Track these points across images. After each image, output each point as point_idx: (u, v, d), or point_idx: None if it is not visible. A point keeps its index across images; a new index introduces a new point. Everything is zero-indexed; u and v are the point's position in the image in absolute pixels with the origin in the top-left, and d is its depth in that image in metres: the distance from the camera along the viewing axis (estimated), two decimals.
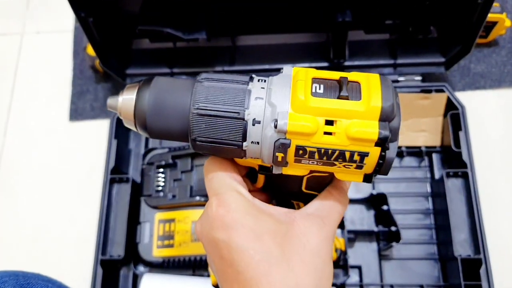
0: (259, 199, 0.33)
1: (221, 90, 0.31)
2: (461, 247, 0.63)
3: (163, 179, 0.69)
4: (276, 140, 0.30)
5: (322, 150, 0.30)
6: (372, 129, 0.28)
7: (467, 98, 0.73)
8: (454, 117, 0.69)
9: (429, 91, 0.70)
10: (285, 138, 0.30)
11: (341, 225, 0.67)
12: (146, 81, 0.33)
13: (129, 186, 0.69)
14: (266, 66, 0.74)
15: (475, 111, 0.75)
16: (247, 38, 0.76)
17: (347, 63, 0.73)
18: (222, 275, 0.31)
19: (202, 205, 0.66)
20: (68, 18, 0.91)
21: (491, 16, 0.73)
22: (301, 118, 0.29)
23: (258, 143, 0.31)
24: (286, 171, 0.32)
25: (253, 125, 0.30)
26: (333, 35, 0.72)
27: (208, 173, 0.34)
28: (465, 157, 0.66)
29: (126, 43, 0.77)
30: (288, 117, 0.29)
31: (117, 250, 0.67)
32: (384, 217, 0.67)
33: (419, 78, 0.72)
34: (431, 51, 0.73)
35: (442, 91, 0.70)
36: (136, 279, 0.69)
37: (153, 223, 0.68)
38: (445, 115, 0.70)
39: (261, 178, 0.36)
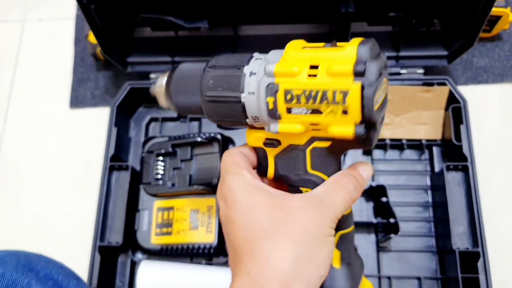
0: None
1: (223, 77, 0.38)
2: (460, 240, 0.63)
3: (162, 168, 0.69)
4: (267, 85, 0.35)
5: (307, 92, 0.34)
6: (348, 65, 0.32)
7: (469, 92, 0.72)
8: (456, 110, 0.68)
9: (431, 84, 0.70)
10: (273, 83, 0.35)
11: None
12: (174, 68, 0.41)
13: (129, 174, 0.69)
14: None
15: (477, 105, 0.75)
16: (249, 28, 0.76)
17: None
18: (228, 249, 0.36)
19: (200, 193, 0.66)
20: (70, 5, 0.91)
21: (495, 10, 0.73)
22: (288, 64, 0.34)
23: (253, 93, 0.36)
24: (282, 127, 0.36)
25: (250, 76, 0.36)
26: (336, 26, 0.72)
27: (222, 161, 0.39)
28: (465, 150, 0.66)
29: (128, 31, 0.77)
30: (276, 63, 0.35)
31: (116, 237, 0.68)
32: (383, 209, 0.67)
33: (421, 71, 0.72)
34: (433, 44, 0.72)
35: (444, 84, 0.69)
36: (134, 266, 0.69)
37: (152, 211, 0.68)
38: (446, 109, 0.70)
39: (271, 166, 0.39)
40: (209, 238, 0.65)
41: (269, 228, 0.33)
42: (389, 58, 0.73)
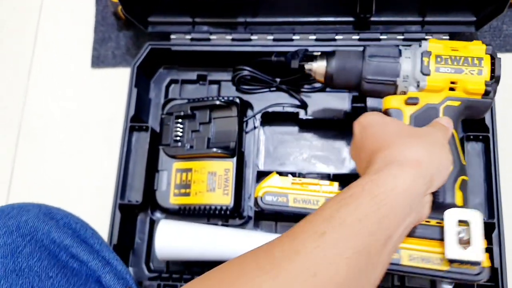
0: None
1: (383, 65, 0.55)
2: None
3: (181, 130, 0.70)
4: (422, 51, 0.54)
5: (453, 57, 0.53)
6: (482, 52, 0.54)
7: None
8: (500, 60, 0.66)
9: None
10: (427, 50, 0.54)
11: None
12: (331, 53, 0.58)
13: (148, 135, 0.71)
14: (290, 19, 0.73)
15: (504, 74, 0.72)
16: None
17: (373, 19, 0.70)
18: (359, 162, 0.49)
19: (218, 156, 0.67)
20: None
21: None
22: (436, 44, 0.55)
23: (409, 57, 0.55)
24: (431, 80, 0.53)
25: (405, 58, 0.55)
26: None
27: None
28: (487, 121, 0.65)
29: None
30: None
31: (136, 195, 0.70)
32: None
33: (446, 37, 0.70)
34: (461, 10, 0.69)
35: None
36: (153, 224, 0.71)
37: (171, 171, 0.70)
38: None
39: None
40: (225, 200, 0.66)
41: (402, 133, 0.45)
42: (414, 23, 0.71)
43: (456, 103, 0.53)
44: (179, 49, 0.74)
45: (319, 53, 0.63)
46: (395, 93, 0.56)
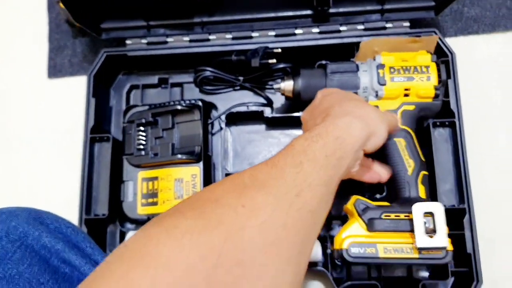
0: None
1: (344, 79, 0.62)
2: (446, 197, 0.63)
3: (144, 137, 0.68)
4: (377, 65, 0.61)
5: (404, 67, 0.61)
6: (428, 59, 0.62)
7: (458, 45, 0.69)
8: (444, 65, 0.66)
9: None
10: (381, 63, 0.61)
11: None
12: (296, 73, 0.64)
13: (110, 145, 0.69)
14: (247, 16, 0.71)
15: (466, 58, 0.72)
16: None
17: (332, 10, 0.69)
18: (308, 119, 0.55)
19: (184, 163, 0.65)
20: None
21: None
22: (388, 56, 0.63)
23: (366, 70, 0.62)
24: (387, 89, 0.60)
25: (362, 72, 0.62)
26: None
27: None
28: (453, 106, 0.64)
29: None
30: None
31: (101, 209, 0.68)
32: None
33: (407, 24, 0.69)
34: None
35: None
36: (123, 236, 0.69)
37: (137, 181, 0.67)
38: None
39: None
40: None
41: (356, 97, 0.56)
42: (373, 12, 0.70)
43: (411, 107, 0.61)
44: (136, 54, 0.71)
45: (279, 50, 0.67)
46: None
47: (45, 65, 0.82)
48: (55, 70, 0.82)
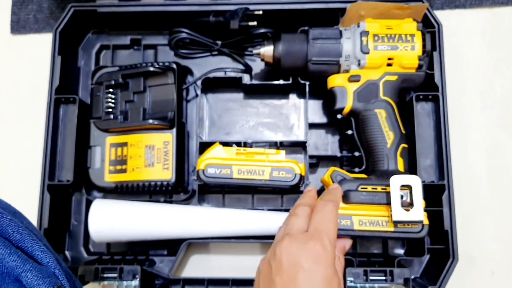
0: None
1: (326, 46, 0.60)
2: (426, 173, 0.61)
3: (113, 100, 0.64)
4: (361, 32, 0.59)
5: (389, 35, 0.58)
6: (413, 28, 0.60)
7: (444, 17, 0.66)
8: (430, 35, 0.63)
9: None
10: (365, 30, 0.59)
11: (305, 150, 0.64)
12: (277, 37, 0.61)
13: (77, 107, 0.64)
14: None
15: (452, 31, 0.70)
16: None
17: None
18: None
19: (155, 128, 0.62)
20: None
21: None
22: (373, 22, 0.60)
23: (349, 38, 0.59)
24: (370, 58, 0.58)
25: (346, 39, 0.60)
26: None
27: None
28: (437, 79, 0.62)
29: None
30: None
31: (66, 174, 0.64)
32: (349, 142, 0.64)
33: None
34: None
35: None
36: (89, 204, 0.65)
37: (104, 147, 0.64)
38: None
39: (349, 100, 0.59)
40: (166, 175, 0.61)
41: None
42: None
43: (394, 78, 0.59)
44: (107, 10, 0.66)
45: (260, 12, 0.64)
46: (338, 72, 0.60)
47: (7, 20, 0.76)
48: (18, 25, 0.76)
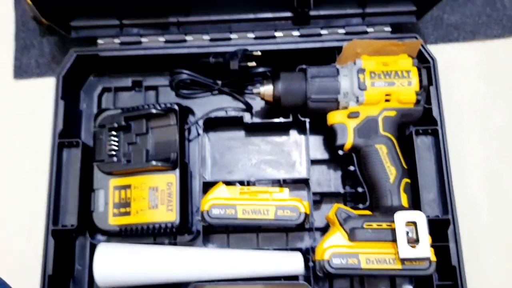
0: None
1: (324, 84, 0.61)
2: (429, 208, 0.61)
3: (116, 143, 0.64)
4: (358, 69, 0.60)
5: (385, 71, 0.59)
6: (409, 64, 0.61)
7: (438, 52, 0.68)
8: (426, 70, 0.65)
9: None
10: (361, 68, 0.60)
11: (308, 187, 0.64)
12: (276, 76, 0.62)
13: (80, 151, 0.65)
14: (226, 17, 0.68)
15: (447, 65, 0.71)
16: None
17: (312, 13, 0.67)
18: None
19: (159, 170, 0.62)
20: None
21: None
22: (369, 60, 0.61)
23: (347, 75, 0.60)
24: (368, 95, 0.59)
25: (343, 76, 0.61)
26: None
27: None
28: (435, 113, 0.63)
29: None
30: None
31: (70, 219, 0.63)
32: (351, 178, 0.65)
33: (388, 29, 0.68)
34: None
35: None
36: (93, 248, 0.64)
37: (108, 190, 0.64)
38: None
39: (350, 136, 0.60)
40: (170, 216, 0.61)
41: None
42: (355, 15, 0.69)
43: (392, 113, 0.60)
44: (108, 54, 0.67)
45: (259, 53, 0.65)
46: (337, 109, 0.61)
47: (10, 65, 0.77)
48: (21, 70, 0.77)
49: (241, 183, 0.63)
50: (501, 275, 0.64)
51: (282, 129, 0.69)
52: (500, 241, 0.66)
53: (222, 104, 0.70)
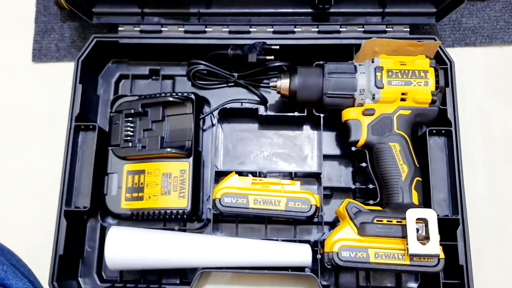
0: None
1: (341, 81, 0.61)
2: (439, 207, 0.62)
3: (132, 129, 0.65)
4: (375, 67, 0.60)
5: (402, 71, 0.60)
6: (426, 65, 0.61)
7: (455, 54, 0.68)
8: (443, 72, 0.65)
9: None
10: (379, 66, 0.61)
11: (318, 181, 0.65)
12: (293, 71, 0.63)
13: (96, 135, 0.65)
14: (246, 10, 0.69)
15: (462, 68, 0.71)
16: None
17: (332, 10, 0.68)
18: None
19: (173, 157, 0.63)
20: None
21: None
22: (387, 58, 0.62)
23: (364, 73, 0.61)
24: (384, 93, 0.60)
25: (360, 73, 0.61)
26: None
27: None
28: (450, 115, 0.64)
29: None
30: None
31: (83, 201, 0.64)
32: (362, 174, 0.65)
33: (407, 29, 0.68)
34: (422, 0, 0.68)
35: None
36: (104, 231, 0.66)
37: (122, 174, 0.65)
38: None
39: (364, 133, 0.61)
40: (182, 203, 0.62)
41: None
42: (374, 14, 0.69)
43: (407, 112, 0.60)
44: (128, 41, 0.68)
45: (278, 47, 0.66)
46: (353, 106, 0.62)
47: (30, 48, 0.78)
48: (40, 54, 0.78)
49: (253, 174, 0.64)
50: (506, 276, 0.65)
51: (296, 124, 0.70)
52: (507, 243, 0.66)
53: (237, 95, 0.70)
